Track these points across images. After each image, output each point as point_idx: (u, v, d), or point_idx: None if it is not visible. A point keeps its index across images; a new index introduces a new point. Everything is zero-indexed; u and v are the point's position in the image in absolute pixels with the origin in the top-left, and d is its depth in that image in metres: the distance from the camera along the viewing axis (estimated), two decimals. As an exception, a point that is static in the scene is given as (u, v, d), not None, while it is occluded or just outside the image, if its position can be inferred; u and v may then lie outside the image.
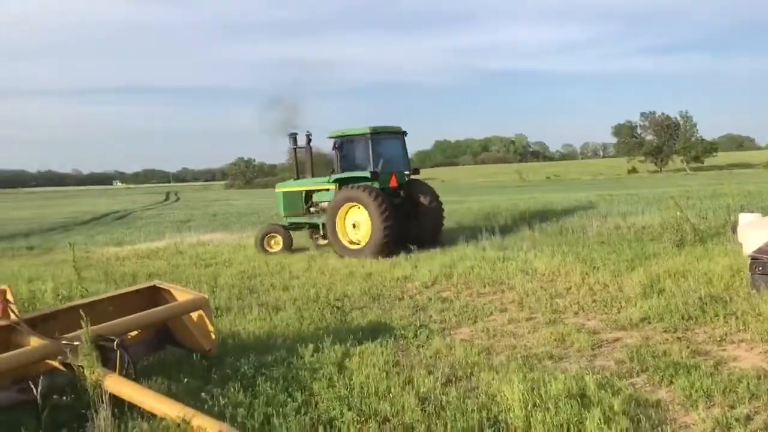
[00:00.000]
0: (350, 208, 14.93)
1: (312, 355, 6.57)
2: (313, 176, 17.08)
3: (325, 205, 16.15)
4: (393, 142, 16.10)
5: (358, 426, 4.84)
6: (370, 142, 15.24)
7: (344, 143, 15.73)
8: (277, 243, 16.36)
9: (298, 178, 17.41)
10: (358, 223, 14.88)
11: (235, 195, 79.45)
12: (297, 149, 17.12)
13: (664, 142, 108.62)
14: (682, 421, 4.82)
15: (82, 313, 5.18)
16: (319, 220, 16.34)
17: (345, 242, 14.90)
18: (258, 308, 9.25)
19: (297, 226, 17.03)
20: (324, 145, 17.75)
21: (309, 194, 16.91)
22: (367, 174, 15.08)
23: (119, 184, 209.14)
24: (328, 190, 16.20)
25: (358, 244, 14.79)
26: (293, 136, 16.75)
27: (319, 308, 9.03)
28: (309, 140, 16.96)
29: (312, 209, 16.82)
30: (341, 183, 15.57)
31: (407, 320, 8.29)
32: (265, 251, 16.11)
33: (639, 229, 16.05)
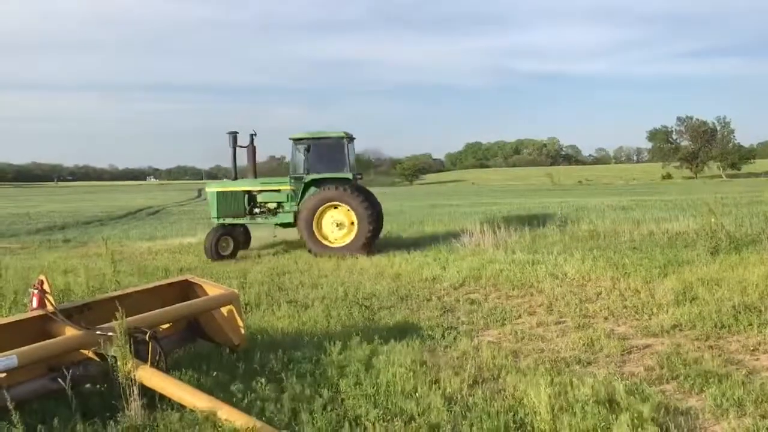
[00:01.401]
0: (328, 208, 15.26)
1: (339, 353, 6.60)
2: (255, 176, 16.88)
3: (272, 205, 16.32)
4: (351, 147, 16.47)
5: (383, 424, 4.86)
6: (345, 145, 15.58)
7: (314, 145, 15.70)
8: (229, 245, 15.83)
9: (236, 177, 16.95)
10: (341, 223, 15.27)
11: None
12: (237, 149, 16.52)
13: (700, 147, 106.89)
14: (712, 429, 4.74)
15: (116, 304, 5.30)
16: (265, 221, 16.39)
17: (322, 240, 15.26)
18: (287, 305, 9.33)
19: (232, 228, 16.32)
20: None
21: (252, 195, 16.51)
22: (348, 175, 15.53)
23: (153, 180, 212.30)
24: (278, 191, 16.20)
25: (336, 242, 15.25)
26: (233, 135, 16.16)
27: (347, 307, 9.09)
28: (252, 139, 16.64)
29: (257, 210, 16.54)
30: (315, 184, 15.64)
31: (435, 321, 8.29)
32: (220, 256, 15.43)
33: (672, 236, 15.80)
